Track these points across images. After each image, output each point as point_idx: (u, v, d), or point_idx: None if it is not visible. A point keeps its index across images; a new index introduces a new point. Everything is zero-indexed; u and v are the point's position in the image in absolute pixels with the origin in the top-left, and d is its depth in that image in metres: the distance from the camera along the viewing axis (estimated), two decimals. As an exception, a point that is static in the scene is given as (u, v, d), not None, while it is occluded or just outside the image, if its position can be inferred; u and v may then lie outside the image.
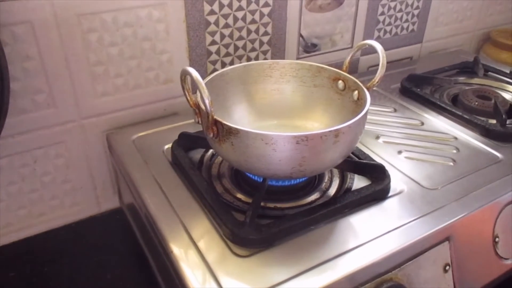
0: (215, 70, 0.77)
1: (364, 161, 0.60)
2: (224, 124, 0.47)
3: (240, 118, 0.62)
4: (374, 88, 0.84)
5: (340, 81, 0.61)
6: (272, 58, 0.83)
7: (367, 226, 0.52)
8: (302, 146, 0.46)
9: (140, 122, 0.74)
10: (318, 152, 0.48)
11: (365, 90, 0.55)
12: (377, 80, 0.56)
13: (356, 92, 0.58)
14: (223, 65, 0.78)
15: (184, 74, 0.49)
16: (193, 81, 0.47)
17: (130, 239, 0.71)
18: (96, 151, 0.73)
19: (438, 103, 0.77)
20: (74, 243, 0.73)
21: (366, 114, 0.51)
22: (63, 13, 0.61)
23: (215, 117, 0.48)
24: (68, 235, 0.75)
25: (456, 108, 0.76)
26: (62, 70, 0.64)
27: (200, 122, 0.53)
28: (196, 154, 0.64)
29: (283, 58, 0.84)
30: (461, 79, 0.91)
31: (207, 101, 0.46)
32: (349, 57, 0.61)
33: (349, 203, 0.54)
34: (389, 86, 0.87)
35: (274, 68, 0.64)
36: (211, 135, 0.49)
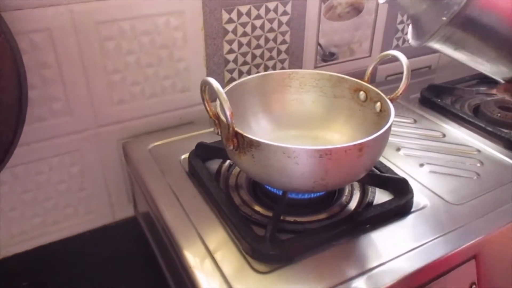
0: (232, 78, 0.76)
1: (386, 174, 0.59)
2: (245, 137, 0.46)
3: (258, 128, 0.61)
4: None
5: (361, 92, 0.59)
6: (289, 67, 0.82)
7: (390, 243, 0.50)
8: (326, 160, 0.45)
9: (156, 131, 0.73)
10: (342, 166, 0.46)
11: (389, 102, 0.54)
12: (400, 92, 0.55)
13: (378, 104, 0.56)
14: (240, 73, 0.77)
15: (204, 84, 0.48)
16: (212, 91, 0.46)
17: (144, 249, 0.70)
18: (111, 159, 0.72)
19: (460, 114, 0.76)
20: (88, 252, 0.73)
21: (390, 127, 0.49)
22: (82, 21, 0.60)
23: (236, 129, 0.47)
24: (82, 244, 0.75)
25: (479, 120, 0.74)
26: (79, 78, 0.64)
27: (219, 133, 0.52)
28: (214, 164, 0.63)
29: (301, 67, 0.83)
30: (482, 89, 0.89)
31: (228, 113, 0.45)
32: (371, 68, 0.59)
33: (371, 218, 0.52)
34: (408, 96, 0.85)
35: (293, 78, 0.63)
36: (231, 147, 0.48)
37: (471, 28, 0.38)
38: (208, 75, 0.74)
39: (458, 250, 0.49)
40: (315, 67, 0.85)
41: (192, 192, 0.58)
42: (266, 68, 0.79)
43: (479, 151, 0.68)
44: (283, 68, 0.81)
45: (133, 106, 0.70)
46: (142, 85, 0.69)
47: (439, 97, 0.82)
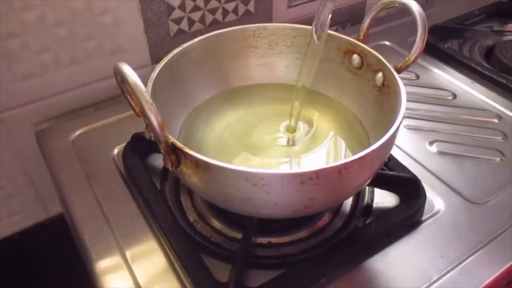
0: (181, 30, 0.58)
1: (391, 173, 0.43)
2: (187, 154, 0.30)
3: (212, 114, 0.44)
4: (386, 43, 0.67)
5: (354, 56, 0.43)
6: (255, 9, 0.63)
7: (403, 274, 0.37)
8: (310, 186, 0.30)
9: (84, 108, 0.56)
10: (333, 190, 0.31)
11: (396, 75, 0.38)
12: (412, 59, 0.38)
13: (380, 75, 0.40)
14: (191, 23, 0.58)
15: (118, 74, 0.31)
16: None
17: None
18: (30, 148, 0.55)
19: (473, 65, 0.60)
20: (19, 256, 0.61)
21: (400, 123, 0.34)
22: None
23: (172, 141, 0.31)
24: (10, 248, 0.61)
25: (498, 74, 0.58)
26: (-44, 49, 0.45)
27: (153, 138, 0.35)
28: (158, 159, 0.47)
29: (270, 8, 0.65)
30: (494, 25, 0.72)
31: (155, 123, 0.29)
32: (368, 21, 0.42)
33: (374, 238, 0.38)
34: (406, 40, 0.67)
35: (260, 36, 0.46)
36: (169, 165, 0.32)
37: None
38: (146, 29, 0.55)
39: (494, 278, 0.37)
40: (289, 7, 0.67)
41: (127, 206, 0.43)
42: (225, 14, 0.61)
43: (500, 117, 0.54)
44: (247, 11, 0.62)
45: (47, 79, 0.52)
46: (54, 51, 0.51)
47: (445, 41, 0.65)
